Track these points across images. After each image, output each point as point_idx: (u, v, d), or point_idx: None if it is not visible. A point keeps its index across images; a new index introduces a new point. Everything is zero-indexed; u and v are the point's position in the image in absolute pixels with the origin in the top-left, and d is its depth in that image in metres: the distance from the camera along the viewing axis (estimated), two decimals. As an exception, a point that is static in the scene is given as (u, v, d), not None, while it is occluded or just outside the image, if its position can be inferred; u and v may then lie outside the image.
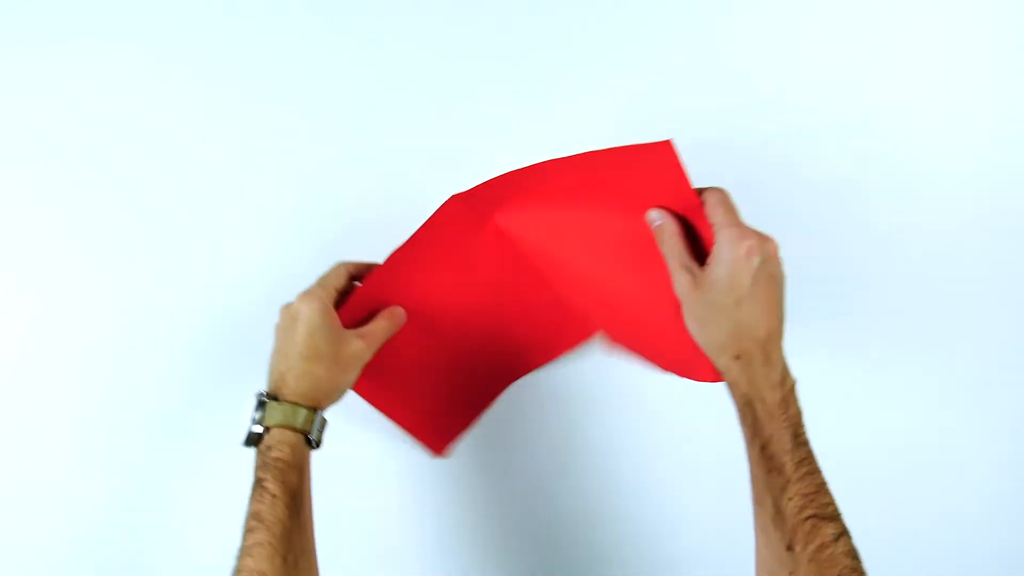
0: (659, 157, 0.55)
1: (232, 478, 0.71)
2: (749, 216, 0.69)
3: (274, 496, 0.55)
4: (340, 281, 0.63)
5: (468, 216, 0.63)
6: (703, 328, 0.56)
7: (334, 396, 0.61)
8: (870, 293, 0.74)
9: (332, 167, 0.70)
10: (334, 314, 0.61)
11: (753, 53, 0.70)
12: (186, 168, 0.69)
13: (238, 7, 0.68)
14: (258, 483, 0.56)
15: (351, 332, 0.62)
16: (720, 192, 0.57)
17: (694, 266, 0.56)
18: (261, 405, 0.57)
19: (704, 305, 0.55)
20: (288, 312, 0.60)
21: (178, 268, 0.71)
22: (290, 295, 0.69)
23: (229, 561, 0.55)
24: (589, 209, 0.61)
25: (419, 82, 0.70)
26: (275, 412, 0.57)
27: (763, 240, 0.54)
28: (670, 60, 0.71)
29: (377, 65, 0.69)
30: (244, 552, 0.54)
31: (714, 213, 0.56)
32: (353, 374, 0.62)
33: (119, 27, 0.68)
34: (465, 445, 0.74)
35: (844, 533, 0.52)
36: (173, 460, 0.73)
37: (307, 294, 0.61)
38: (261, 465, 0.57)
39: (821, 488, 0.53)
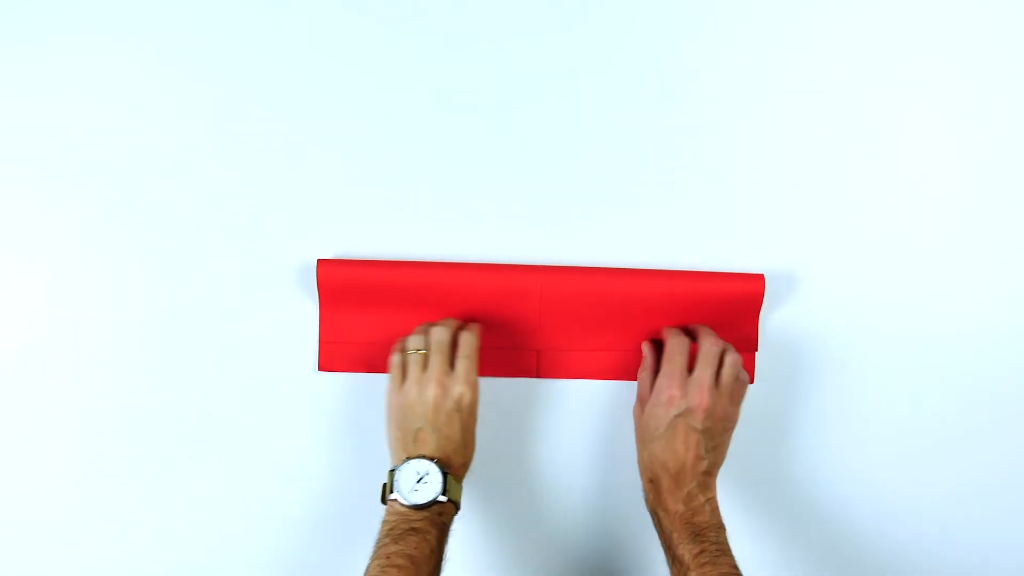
0: (749, 285, 0.69)
1: (231, 478, 0.72)
2: (749, 224, 0.71)
3: (432, 550, 0.60)
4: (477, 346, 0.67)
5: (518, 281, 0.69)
6: (637, 449, 0.68)
7: None
8: (871, 294, 0.74)
9: (332, 167, 0.71)
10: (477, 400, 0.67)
11: (751, 53, 0.70)
12: (184, 168, 0.70)
13: (239, 8, 0.68)
14: (419, 532, 0.60)
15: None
16: (680, 338, 0.68)
17: (645, 400, 0.68)
18: (444, 476, 0.62)
19: (638, 432, 0.68)
20: (451, 394, 0.64)
21: (177, 269, 0.70)
22: (292, 296, 0.69)
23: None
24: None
25: (423, 84, 0.70)
26: (455, 489, 0.63)
27: (688, 395, 0.64)
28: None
29: (382, 67, 0.69)
30: None
31: (669, 353, 0.67)
32: None
33: (119, 25, 0.68)
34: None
35: None
36: (171, 460, 0.72)
37: (468, 382, 0.65)
38: (427, 518, 0.61)
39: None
